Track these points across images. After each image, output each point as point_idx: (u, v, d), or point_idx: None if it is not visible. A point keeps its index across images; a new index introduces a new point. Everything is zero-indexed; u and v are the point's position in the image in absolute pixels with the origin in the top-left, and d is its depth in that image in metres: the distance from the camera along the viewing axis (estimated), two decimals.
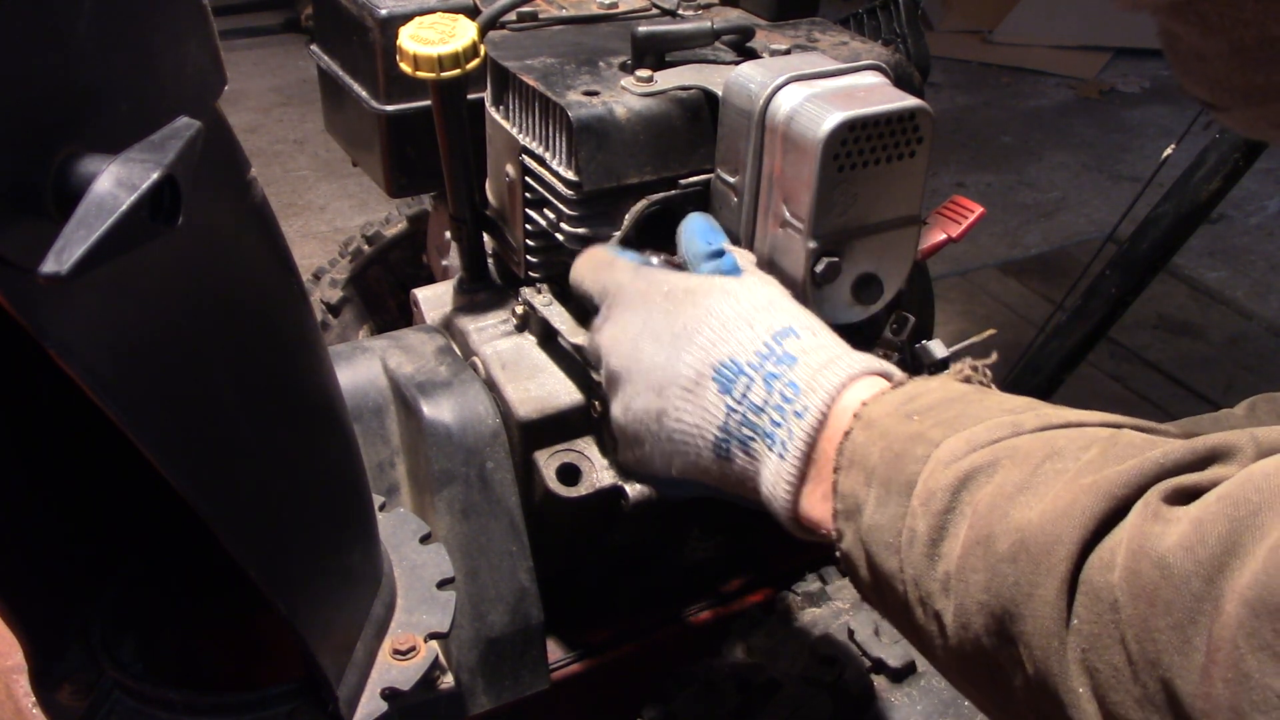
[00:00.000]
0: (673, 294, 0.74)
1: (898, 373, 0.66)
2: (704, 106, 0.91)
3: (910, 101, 0.81)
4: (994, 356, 0.69)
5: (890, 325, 0.91)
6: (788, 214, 0.84)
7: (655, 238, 0.91)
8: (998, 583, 0.50)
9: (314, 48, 1.21)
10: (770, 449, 0.66)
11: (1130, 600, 0.44)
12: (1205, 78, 0.57)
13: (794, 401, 0.65)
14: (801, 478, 0.64)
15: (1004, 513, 0.51)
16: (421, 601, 0.81)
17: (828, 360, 0.66)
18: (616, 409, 0.75)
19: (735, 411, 0.67)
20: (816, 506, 0.64)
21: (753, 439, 0.67)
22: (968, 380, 0.64)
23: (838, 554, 0.62)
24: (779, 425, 0.65)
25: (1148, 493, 0.47)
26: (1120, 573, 0.45)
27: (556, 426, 0.97)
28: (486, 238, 1.09)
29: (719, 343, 0.69)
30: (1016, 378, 1.77)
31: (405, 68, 0.90)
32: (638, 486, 0.95)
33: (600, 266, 0.81)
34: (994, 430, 0.55)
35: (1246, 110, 0.58)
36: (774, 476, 0.65)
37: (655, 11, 1.09)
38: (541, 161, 0.93)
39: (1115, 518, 0.47)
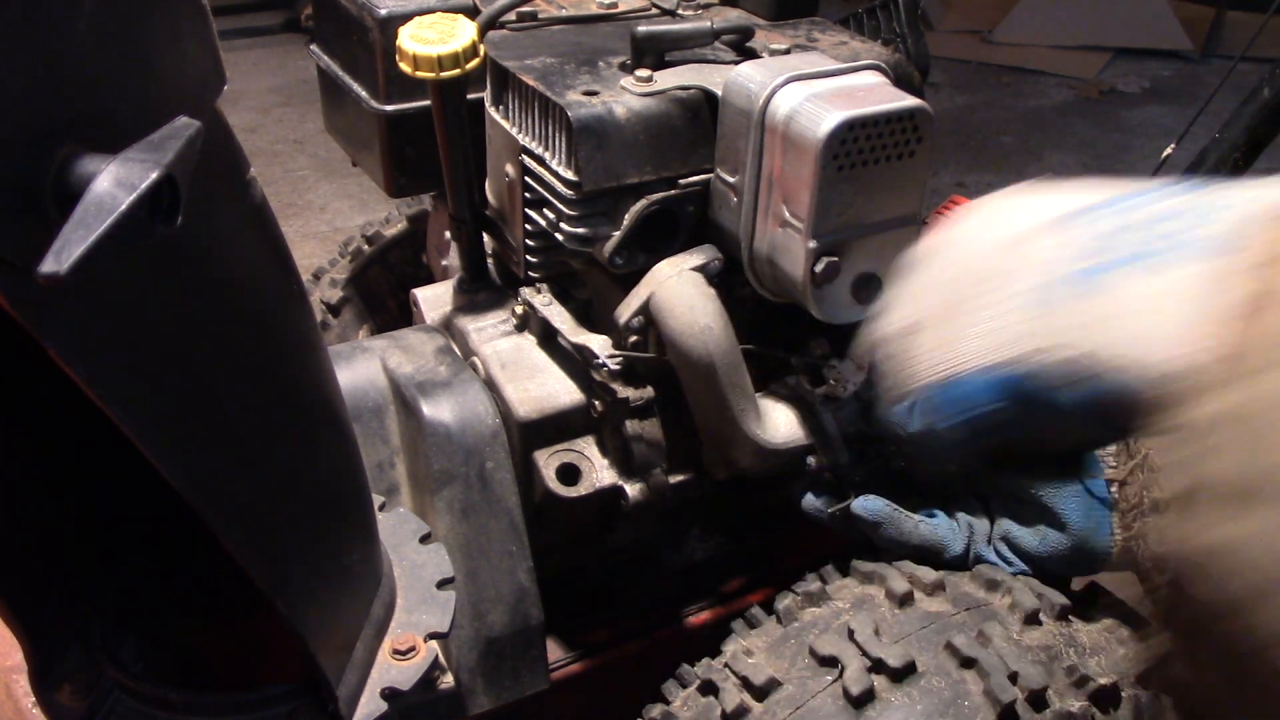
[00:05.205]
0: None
1: None
2: (704, 106, 0.90)
3: (910, 101, 0.81)
4: None
5: None
6: (787, 214, 0.84)
7: (655, 238, 0.91)
8: None
9: (314, 48, 1.21)
10: (1147, 272, 0.46)
11: None
12: None
13: (1208, 214, 0.46)
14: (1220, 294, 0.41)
15: None
16: (421, 601, 0.81)
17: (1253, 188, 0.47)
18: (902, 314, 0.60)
19: (1074, 244, 0.50)
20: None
21: (1104, 270, 0.47)
22: None
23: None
24: (1168, 237, 0.46)
25: None
26: None
27: (556, 426, 0.97)
28: (486, 238, 1.09)
29: (1075, 216, 0.52)
30: None
31: (405, 68, 0.90)
32: (638, 486, 0.96)
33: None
34: None
35: None
36: (1155, 297, 0.45)
37: (655, 11, 1.09)
38: (541, 161, 0.93)
39: None
